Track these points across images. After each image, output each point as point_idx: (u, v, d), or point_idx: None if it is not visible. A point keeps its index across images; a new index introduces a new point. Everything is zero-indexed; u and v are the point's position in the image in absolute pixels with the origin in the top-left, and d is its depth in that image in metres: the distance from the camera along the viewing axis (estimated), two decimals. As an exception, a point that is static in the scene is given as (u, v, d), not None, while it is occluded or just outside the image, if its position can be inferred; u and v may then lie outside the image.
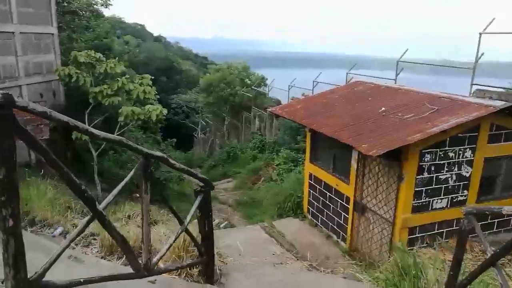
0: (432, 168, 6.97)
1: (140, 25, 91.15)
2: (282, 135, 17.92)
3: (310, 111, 8.65)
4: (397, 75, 13.23)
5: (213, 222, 12.34)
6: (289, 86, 19.93)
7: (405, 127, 6.82)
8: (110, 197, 3.10)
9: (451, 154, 6.97)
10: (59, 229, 5.72)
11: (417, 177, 6.93)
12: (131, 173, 3.33)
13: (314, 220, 9.67)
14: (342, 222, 8.62)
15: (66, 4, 17.00)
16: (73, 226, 6.01)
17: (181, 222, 4.12)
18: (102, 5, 20.74)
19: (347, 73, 15.50)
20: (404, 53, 13.18)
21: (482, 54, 10.28)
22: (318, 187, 9.44)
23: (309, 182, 9.75)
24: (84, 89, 10.86)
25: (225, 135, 26.74)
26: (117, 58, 13.43)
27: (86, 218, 2.77)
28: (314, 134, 9.26)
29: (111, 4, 20.74)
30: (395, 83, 13.10)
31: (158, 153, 3.63)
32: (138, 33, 78.42)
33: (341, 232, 8.68)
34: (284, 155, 15.74)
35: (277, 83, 27.51)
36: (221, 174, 21.18)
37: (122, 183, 3.24)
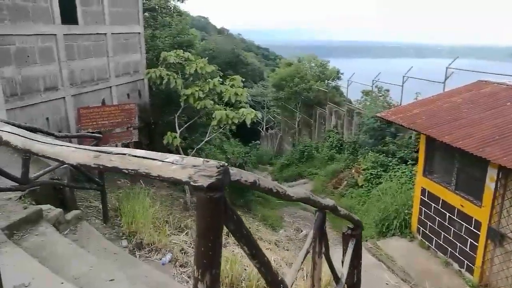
0: None
1: (204, 18, 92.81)
2: (364, 135, 16.53)
3: (433, 118, 7.42)
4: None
5: (301, 233, 11.41)
6: (373, 80, 18.45)
7: None
8: (293, 273, 2.31)
9: None
10: (168, 256, 5.18)
11: None
12: (311, 234, 2.52)
13: (427, 242, 8.46)
14: (467, 249, 7.34)
15: (145, 1, 16.96)
16: (181, 252, 5.47)
17: (337, 279, 3.28)
18: (178, 0, 20.66)
19: (447, 68, 13.77)
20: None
21: None
22: (433, 205, 8.20)
23: (421, 198, 8.53)
24: (170, 89, 10.48)
25: (297, 132, 25.77)
26: (194, 55, 12.99)
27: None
28: (431, 143, 8.02)
29: (186, -1, 20.57)
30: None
31: (330, 203, 2.80)
32: (203, 26, 79.76)
33: (466, 261, 7.41)
34: (372, 158, 14.44)
35: (347, 75, 25.93)
36: (296, 174, 20.31)
37: (302, 253, 2.44)
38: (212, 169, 1.28)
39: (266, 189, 1.70)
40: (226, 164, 1.33)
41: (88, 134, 6.17)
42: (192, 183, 1.29)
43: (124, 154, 1.42)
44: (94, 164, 1.48)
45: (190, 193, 9.89)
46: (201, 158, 1.33)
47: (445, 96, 8.38)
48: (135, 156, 1.40)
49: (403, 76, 15.98)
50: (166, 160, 1.35)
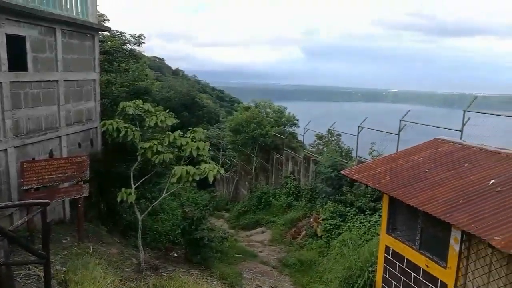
0: None
1: (159, 59, 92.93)
2: (321, 183, 16.61)
3: (397, 179, 7.48)
4: (463, 125, 12.06)
5: (263, 292, 10.73)
6: (328, 129, 18.90)
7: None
8: None
9: None
10: None
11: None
12: None
13: (393, 302, 8.29)
14: (435, 311, 7.23)
15: (100, 43, 16.50)
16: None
17: None
18: (135, 43, 20.32)
19: (400, 120, 14.37)
20: (473, 101, 12.09)
21: None
22: (398, 263, 8.11)
23: (385, 256, 8.44)
24: (126, 140, 9.93)
25: (254, 176, 25.56)
26: (157, 105, 12.63)
27: None
28: (394, 201, 8.05)
29: (143, 42, 20.30)
30: (462, 135, 11.96)
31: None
32: (158, 67, 79.64)
33: (434, 324, 7.27)
34: (330, 208, 14.42)
35: (299, 118, 26.66)
36: (253, 222, 19.86)
37: None
38: None
39: None
40: None
41: (32, 201, 5.50)
42: None
43: None
44: None
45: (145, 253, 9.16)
46: None
47: (405, 154, 8.59)
48: None
49: (358, 126, 16.49)
50: None
